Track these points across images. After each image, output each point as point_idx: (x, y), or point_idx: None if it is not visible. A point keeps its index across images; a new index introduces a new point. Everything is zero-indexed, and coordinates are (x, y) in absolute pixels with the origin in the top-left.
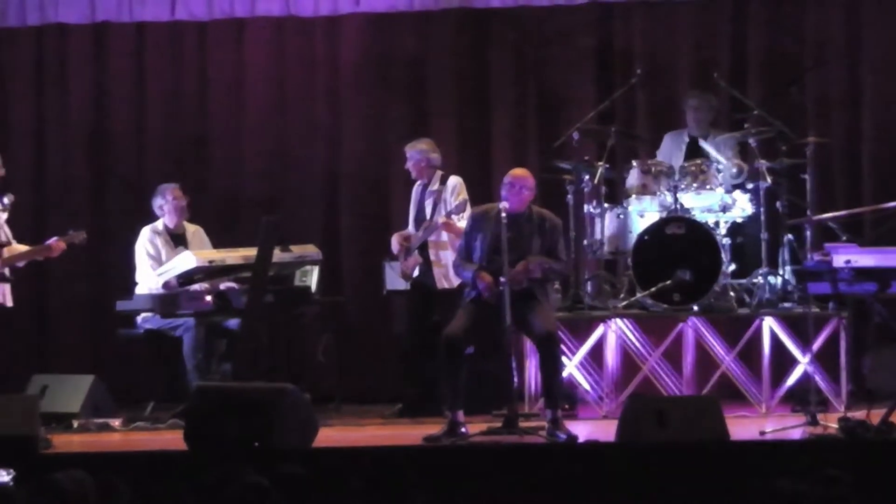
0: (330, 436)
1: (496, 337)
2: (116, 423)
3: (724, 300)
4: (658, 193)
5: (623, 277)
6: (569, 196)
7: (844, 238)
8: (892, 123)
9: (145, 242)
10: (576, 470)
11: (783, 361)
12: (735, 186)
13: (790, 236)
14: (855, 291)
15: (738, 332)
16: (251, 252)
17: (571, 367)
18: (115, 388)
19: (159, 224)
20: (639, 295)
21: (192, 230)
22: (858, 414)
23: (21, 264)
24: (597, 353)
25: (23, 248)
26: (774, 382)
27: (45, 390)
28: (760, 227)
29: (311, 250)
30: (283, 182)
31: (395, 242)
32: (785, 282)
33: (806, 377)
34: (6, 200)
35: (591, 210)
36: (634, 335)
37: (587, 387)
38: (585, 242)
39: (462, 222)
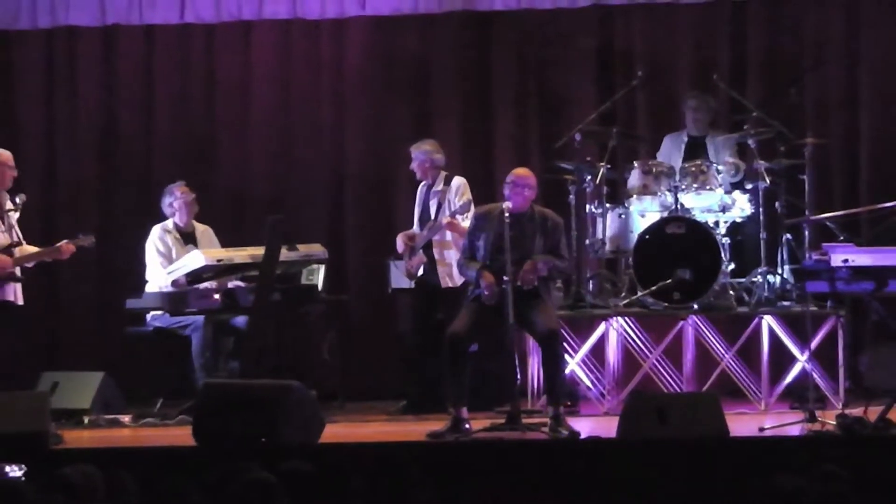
0: (335, 432)
1: (499, 335)
2: (126, 419)
3: (724, 299)
4: (659, 194)
5: (624, 276)
6: (571, 196)
7: (842, 238)
8: (890, 124)
9: (155, 240)
10: (578, 466)
11: (782, 359)
12: (734, 186)
13: (789, 236)
14: (852, 290)
15: (738, 331)
16: (258, 251)
17: (573, 364)
18: (125, 384)
19: (169, 223)
20: (640, 293)
21: (202, 229)
22: (856, 411)
23: (30, 264)
24: (598, 350)
25: (33, 249)
26: (773, 380)
27: (55, 387)
28: (759, 227)
29: (317, 249)
30: (289, 182)
31: (399, 242)
32: (783, 281)
33: (804, 374)
34: (18, 200)
35: (593, 210)
36: (635, 333)
37: (589, 384)
38: (587, 242)
39: (466, 222)
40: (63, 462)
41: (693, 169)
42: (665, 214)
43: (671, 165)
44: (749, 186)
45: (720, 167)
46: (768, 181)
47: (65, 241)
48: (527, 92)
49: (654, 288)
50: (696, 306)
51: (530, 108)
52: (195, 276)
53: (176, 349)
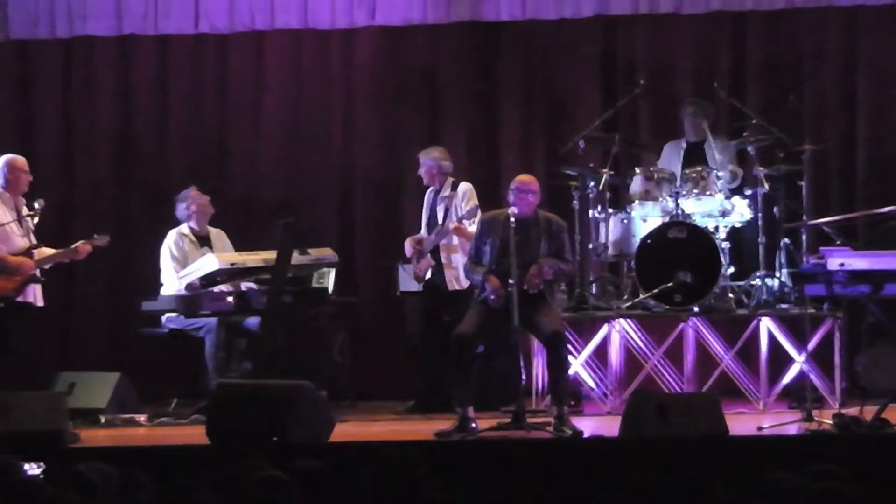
0: (345, 431)
1: (505, 336)
2: (141, 418)
3: (724, 301)
4: (660, 199)
5: (626, 279)
6: (574, 201)
7: (839, 242)
8: (886, 131)
9: (171, 244)
10: (581, 464)
11: (780, 360)
12: (733, 192)
13: (787, 240)
14: (849, 293)
15: (737, 332)
16: (270, 255)
17: (577, 365)
18: (140, 384)
19: (185, 227)
20: (641, 296)
21: (216, 233)
22: (852, 410)
23: (47, 266)
24: (601, 351)
25: (50, 251)
26: (772, 380)
27: (73, 387)
28: (758, 232)
29: (327, 253)
30: (300, 187)
31: (408, 246)
32: (782, 284)
33: (802, 375)
34: (37, 206)
35: (596, 215)
36: (637, 335)
37: (592, 384)
38: (590, 246)
39: (472, 227)
40: (80, 460)
41: (693, 175)
42: (666, 219)
43: (672, 171)
44: (748, 192)
45: (720, 173)
46: (767, 187)
47: (81, 241)
48: (532, 99)
49: (655, 291)
50: (696, 309)
51: (535, 116)
52: (209, 280)
53: (190, 350)
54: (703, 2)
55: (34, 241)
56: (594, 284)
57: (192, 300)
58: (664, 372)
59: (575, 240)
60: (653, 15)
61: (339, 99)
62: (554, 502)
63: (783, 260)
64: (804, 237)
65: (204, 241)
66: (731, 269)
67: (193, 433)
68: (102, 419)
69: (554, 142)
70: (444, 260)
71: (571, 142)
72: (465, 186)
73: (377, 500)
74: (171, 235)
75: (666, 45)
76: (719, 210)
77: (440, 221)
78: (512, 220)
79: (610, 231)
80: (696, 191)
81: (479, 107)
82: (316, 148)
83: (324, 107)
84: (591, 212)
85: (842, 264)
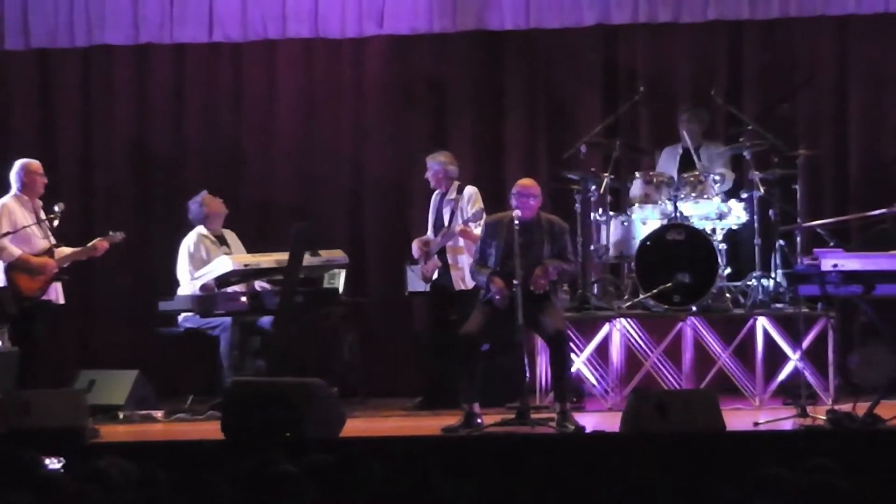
0: (355, 427)
1: (509, 335)
2: (158, 414)
3: (721, 301)
4: (659, 202)
5: (627, 280)
6: (576, 204)
7: (832, 244)
8: (877, 137)
9: (190, 244)
10: (583, 458)
11: (775, 358)
12: (728, 195)
13: (782, 242)
14: (842, 293)
15: (734, 331)
16: (283, 256)
17: (579, 363)
18: (158, 382)
19: (202, 229)
20: (641, 296)
21: (229, 234)
22: (845, 406)
23: (66, 264)
24: (602, 350)
25: (69, 250)
26: (767, 377)
27: (92, 384)
28: (754, 234)
29: (338, 255)
30: (311, 191)
31: (415, 247)
32: (777, 284)
33: (796, 372)
34: (57, 209)
35: (597, 217)
36: (637, 334)
37: (594, 381)
38: (592, 248)
39: (478, 229)
40: (99, 455)
41: (691, 179)
42: (665, 222)
43: (671, 176)
44: (744, 195)
45: (716, 177)
46: (762, 190)
47: (98, 238)
48: (535, 106)
49: (655, 291)
50: (694, 308)
51: (539, 121)
52: (223, 280)
53: (205, 349)
54: (700, 11)
55: (53, 241)
56: (596, 285)
57: (207, 300)
58: (663, 370)
59: (577, 242)
60: (652, 24)
61: (349, 105)
62: (556, 496)
63: (778, 261)
64: (798, 239)
65: (221, 241)
66: (728, 270)
67: (209, 429)
68: (121, 415)
69: (557, 147)
70: (450, 261)
71: (574, 147)
72: (470, 190)
73: (386, 493)
74: (191, 236)
75: (665, 54)
76: (716, 213)
77: (446, 224)
78: (516, 222)
79: (611, 233)
80: (693, 194)
81: (485, 113)
82: (327, 153)
83: (334, 112)
84: (592, 214)
85: (835, 265)
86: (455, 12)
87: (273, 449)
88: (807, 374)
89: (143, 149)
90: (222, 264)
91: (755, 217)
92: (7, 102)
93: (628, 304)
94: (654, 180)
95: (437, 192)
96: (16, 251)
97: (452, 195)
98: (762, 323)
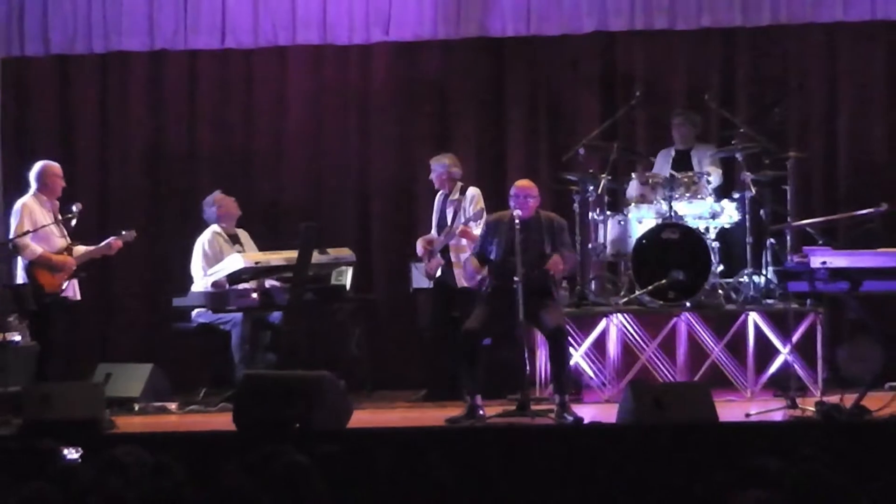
0: (362, 418)
1: (510, 330)
2: (172, 406)
3: (714, 297)
4: (655, 202)
5: (624, 277)
6: (575, 204)
7: (821, 242)
8: (864, 140)
9: (205, 242)
10: (582, 448)
11: (766, 352)
12: (721, 195)
13: (772, 240)
14: (830, 289)
15: (726, 326)
16: (292, 254)
17: (577, 356)
18: (172, 375)
19: (216, 227)
20: (637, 293)
21: (242, 233)
22: (833, 399)
23: (82, 262)
24: (600, 344)
25: (85, 248)
26: (758, 370)
27: (109, 377)
28: (746, 232)
29: (345, 253)
30: (320, 192)
31: (419, 246)
32: (768, 281)
33: (786, 366)
34: (75, 209)
35: (595, 217)
36: (633, 328)
37: (591, 374)
38: (590, 246)
39: (478, 230)
40: (116, 446)
41: (685, 180)
42: (660, 221)
43: (666, 177)
44: (736, 196)
45: (709, 178)
46: (754, 191)
47: (112, 237)
48: (536, 109)
49: (650, 288)
50: (688, 304)
51: (539, 124)
52: (235, 277)
53: (218, 343)
54: (694, 18)
55: (68, 240)
56: (593, 282)
57: (219, 296)
58: (658, 363)
59: (575, 240)
60: (648, 31)
61: (356, 108)
62: (556, 484)
63: (769, 259)
64: (788, 237)
65: (234, 240)
66: (721, 268)
67: (221, 420)
68: (136, 407)
69: (556, 149)
70: (453, 259)
71: (573, 149)
72: (473, 191)
73: (392, 481)
74: (206, 234)
75: (661, 59)
76: (709, 212)
77: (449, 223)
78: (517, 221)
79: (608, 232)
80: (687, 194)
81: (487, 116)
82: (335, 155)
83: (342, 116)
84: (590, 214)
85: (823, 263)
86: (458, 19)
87: (283, 439)
88: (796, 367)
89: (158, 151)
90: (234, 262)
91: (747, 216)
92: (28, 106)
93: (625, 300)
94: (650, 181)
95: (440, 192)
96: (38, 249)
97: (455, 196)
98: (753, 318)
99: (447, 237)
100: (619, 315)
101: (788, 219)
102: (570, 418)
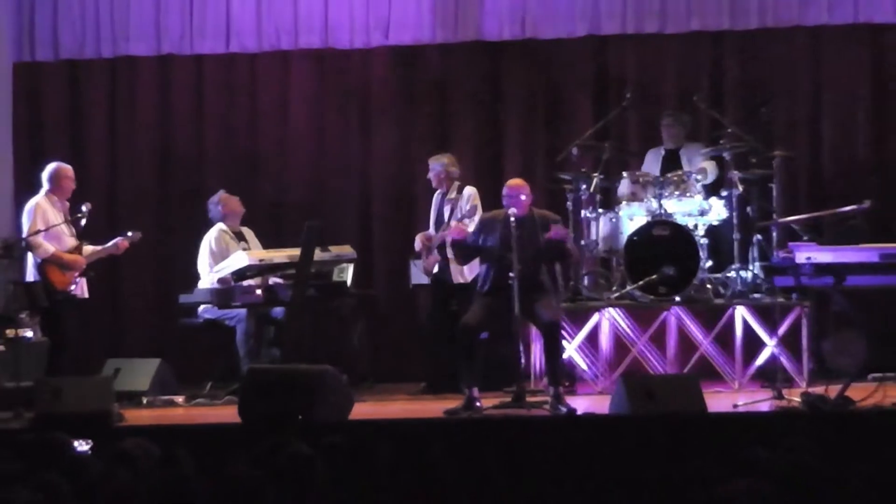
0: (363, 410)
1: (506, 324)
2: (179, 399)
3: (703, 292)
4: (645, 200)
5: (616, 273)
6: (569, 202)
7: (806, 238)
8: (847, 140)
9: (212, 239)
10: (575, 438)
11: (753, 345)
12: (710, 193)
13: (759, 237)
14: (815, 284)
15: (715, 320)
16: (295, 252)
17: (571, 349)
18: (179, 369)
19: (222, 225)
20: (629, 288)
21: (247, 231)
22: (818, 389)
23: (90, 261)
24: (593, 337)
25: (92, 248)
26: (745, 363)
27: (118, 372)
28: (733, 229)
29: (346, 250)
30: (322, 191)
31: (418, 241)
32: (754, 276)
33: (773, 358)
34: (84, 209)
35: (588, 214)
36: (625, 322)
37: (585, 367)
38: (583, 242)
39: (471, 227)
40: (124, 438)
41: (675, 179)
42: (651, 218)
43: (656, 175)
44: (724, 193)
45: (698, 177)
46: (741, 189)
47: (119, 237)
48: (532, 110)
49: (641, 283)
50: (678, 299)
51: (535, 125)
52: (240, 274)
53: (223, 338)
54: (684, 22)
55: (78, 239)
56: (586, 277)
57: (224, 293)
58: (649, 356)
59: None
60: (639, 34)
61: (358, 111)
62: (551, 474)
63: (756, 254)
64: (774, 234)
65: (240, 237)
66: (709, 263)
67: (227, 413)
68: (144, 401)
69: (551, 149)
70: (449, 255)
71: (566, 149)
72: (469, 190)
73: (392, 471)
74: (213, 231)
75: (651, 62)
76: (698, 210)
77: (447, 221)
78: (512, 220)
79: (600, 229)
80: (677, 193)
81: (484, 117)
82: (337, 156)
83: (343, 118)
84: (583, 212)
85: (808, 258)
86: (456, 23)
87: (287, 431)
88: (782, 359)
89: (166, 152)
90: (239, 260)
91: (734, 213)
92: (39, 109)
93: (617, 294)
94: (641, 180)
95: (438, 191)
96: (50, 248)
97: (453, 195)
98: (741, 312)
99: (443, 233)
100: (611, 309)
101: (774, 216)
102: (564, 409)
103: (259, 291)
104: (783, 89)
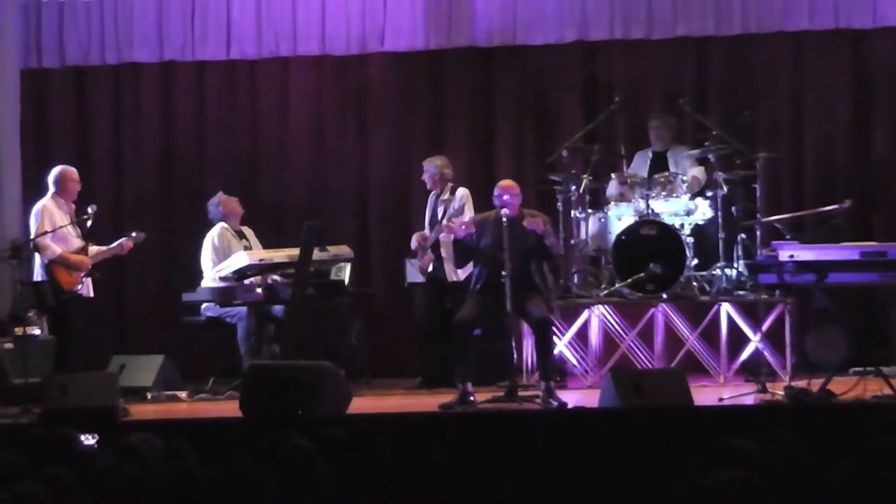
0: (362, 405)
1: (499, 321)
2: (183, 395)
3: (689, 289)
4: (633, 201)
5: (604, 271)
6: (559, 203)
7: (789, 237)
8: (828, 141)
9: (214, 237)
10: (566, 431)
11: (738, 340)
12: (695, 193)
13: (743, 235)
14: (798, 281)
15: (700, 316)
16: (295, 252)
17: (562, 345)
18: (182, 365)
19: (224, 224)
20: (618, 285)
21: (248, 231)
22: (801, 383)
23: (96, 261)
24: (583, 334)
25: (98, 248)
26: (730, 357)
27: (123, 368)
28: (718, 228)
29: (344, 250)
30: (321, 193)
31: (414, 240)
32: (739, 273)
33: (757, 353)
34: (90, 210)
35: (578, 215)
36: (614, 319)
37: (575, 362)
38: (573, 242)
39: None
40: (129, 432)
41: (662, 180)
42: (638, 218)
43: (644, 176)
44: (709, 194)
45: (684, 178)
46: (726, 189)
47: (124, 238)
48: (523, 114)
49: (629, 280)
50: (665, 296)
51: (526, 128)
52: (241, 273)
53: (225, 335)
54: (670, 28)
55: (84, 240)
56: (576, 275)
57: (226, 291)
58: (637, 351)
59: (559, 236)
60: (626, 40)
61: (354, 115)
62: (542, 465)
63: (740, 253)
64: (758, 233)
65: (241, 236)
66: (695, 262)
67: (229, 408)
68: (149, 396)
69: (542, 152)
70: (443, 255)
71: (556, 152)
72: (462, 191)
73: (389, 463)
74: (215, 230)
75: (638, 67)
76: (684, 210)
77: (440, 221)
78: (504, 219)
79: (590, 229)
80: (664, 193)
81: (477, 121)
82: (334, 158)
83: (340, 121)
84: (573, 212)
85: (791, 256)
86: (449, 31)
87: (287, 425)
88: (766, 354)
89: (169, 155)
90: (240, 259)
91: (719, 213)
92: (46, 114)
93: (605, 292)
94: (628, 181)
95: (433, 192)
96: (57, 249)
97: (446, 196)
98: (726, 308)
99: (436, 233)
100: (600, 306)
101: (758, 215)
102: (555, 403)
103: (259, 290)
104: (766, 93)
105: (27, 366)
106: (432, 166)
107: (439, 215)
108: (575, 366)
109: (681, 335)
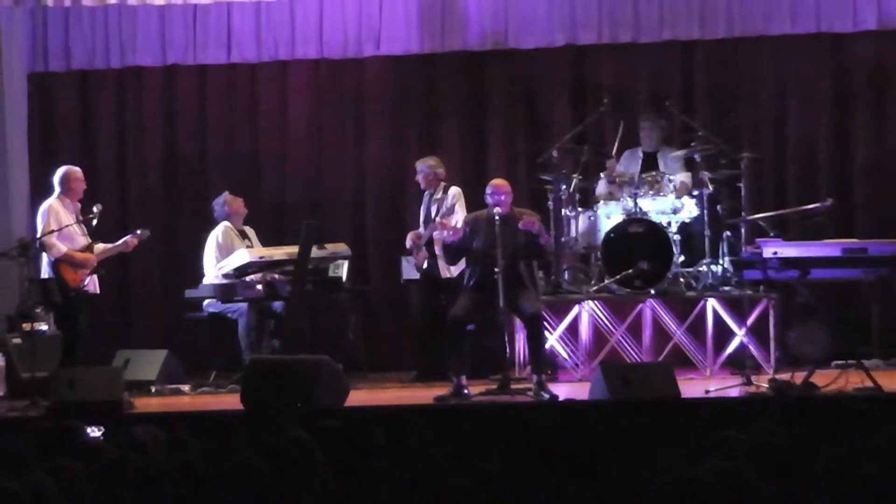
0: (359, 397)
1: (492, 317)
2: (186, 388)
3: (676, 285)
4: (622, 199)
5: (594, 267)
6: (549, 202)
7: (772, 234)
8: (811, 142)
9: (218, 235)
10: (557, 423)
11: (723, 334)
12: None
13: (728, 233)
14: (781, 277)
15: (687, 311)
16: (294, 249)
17: (552, 340)
18: (185, 360)
19: (228, 223)
20: (607, 281)
21: (249, 230)
22: (785, 376)
23: (101, 259)
24: (573, 328)
25: (103, 246)
26: (716, 351)
27: (127, 362)
28: (704, 226)
29: (342, 248)
30: (319, 192)
31: (409, 239)
32: (724, 270)
33: (742, 347)
34: (95, 210)
35: (568, 213)
36: (603, 314)
37: (566, 356)
38: (563, 239)
39: (452, 223)
40: (134, 424)
41: (650, 179)
42: (627, 217)
43: (632, 176)
44: (696, 193)
45: (671, 177)
46: (711, 188)
47: (128, 235)
48: (514, 116)
49: (618, 277)
50: (653, 292)
51: (517, 130)
52: (241, 271)
53: (226, 331)
54: (656, 32)
55: (89, 239)
56: (567, 272)
57: (227, 288)
58: (626, 345)
59: (550, 234)
60: (614, 44)
61: (351, 116)
62: (533, 456)
63: (725, 250)
64: (743, 230)
65: (243, 235)
66: (682, 258)
67: (230, 401)
68: (153, 389)
69: (533, 152)
70: (437, 252)
71: (547, 152)
72: (454, 190)
73: (386, 453)
74: (219, 228)
75: (626, 70)
76: (671, 208)
77: (433, 220)
78: (496, 218)
79: (579, 227)
80: (651, 192)
81: (469, 122)
82: (332, 159)
83: (338, 123)
84: (563, 211)
85: (775, 253)
86: (443, 35)
87: (286, 418)
88: (751, 348)
89: (172, 157)
90: (241, 257)
91: (705, 212)
92: (52, 117)
93: (595, 288)
94: (617, 180)
95: (426, 192)
96: (63, 248)
97: (439, 195)
98: (712, 304)
99: (429, 231)
100: (590, 302)
101: (743, 213)
102: (547, 396)
103: (260, 287)
104: (750, 95)
105: (35, 361)
106: (425, 166)
107: (433, 214)
108: (566, 359)
109: (668, 330)
